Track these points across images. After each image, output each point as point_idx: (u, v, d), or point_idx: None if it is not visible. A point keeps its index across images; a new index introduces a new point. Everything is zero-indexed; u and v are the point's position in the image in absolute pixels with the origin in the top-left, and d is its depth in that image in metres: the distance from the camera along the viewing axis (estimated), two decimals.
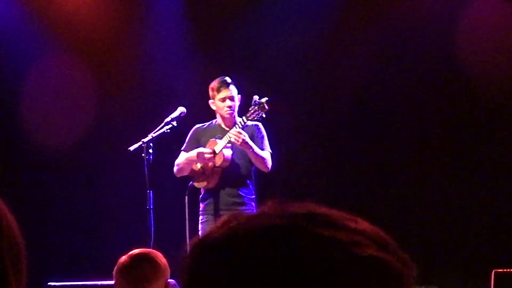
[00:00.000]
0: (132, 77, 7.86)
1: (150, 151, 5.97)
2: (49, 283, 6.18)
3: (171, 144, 6.31)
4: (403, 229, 6.68)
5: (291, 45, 7.57)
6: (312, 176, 7.47)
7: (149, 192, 5.99)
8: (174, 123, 6.09)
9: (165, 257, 3.25)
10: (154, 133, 6.05)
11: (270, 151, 5.98)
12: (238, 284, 0.83)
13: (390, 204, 7.27)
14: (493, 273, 5.86)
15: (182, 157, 6.14)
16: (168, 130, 6.06)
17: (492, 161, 7.18)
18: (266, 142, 6.00)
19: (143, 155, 5.97)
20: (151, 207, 5.99)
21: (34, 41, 7.84)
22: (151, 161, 5.97)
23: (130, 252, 3.23)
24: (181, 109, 6.16)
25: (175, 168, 6.15)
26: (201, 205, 6.10)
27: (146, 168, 5.97)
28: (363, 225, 0.87)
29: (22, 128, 7.82)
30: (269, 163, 5.91)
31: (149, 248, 4.75)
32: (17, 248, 1.24)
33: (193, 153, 6.06)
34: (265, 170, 5.95)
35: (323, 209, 0.88)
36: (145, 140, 6.00)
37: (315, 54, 7.58)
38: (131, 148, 6.03)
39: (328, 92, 7.53)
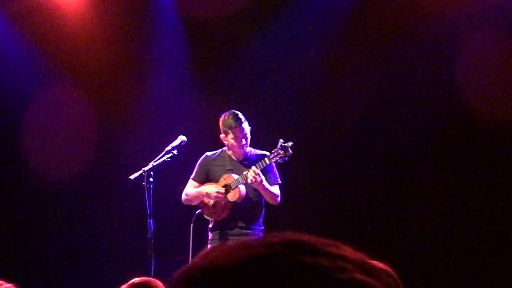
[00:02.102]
0: (133, 106, 7.88)
1: (151, 179, 5.97)
2: None
3: (171, 173, 6.30)
4: (405, 266, 6.60)
5: (292, 75, 7.58)
6: (313, 205, 7.45)
7: (150, 221, 5.98)
8: (175, 151, 6.09)
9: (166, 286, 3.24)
10: (154, 161, 6.05)
11: (280, 181, 5.99)
12: None
13: (391, 237, 7.23)
14: None
15: (193, 189, 6.12)
16: (169, 159, 6.06)
17: (496, 194, 7.09)
18: (276, 171, 6.01)
19: (143, 183, 5.97)
20: (152, 235, 5.98)
21: (35, 72, 7.88)
22: (151, 190, 5.97)
23: (130, 281, 3.22)
24: (181, 138, 6.16)
25: (183, 197, 6.13)
26: (210, 235, 6.10)
27: (146, 196, 5.97)
28: (346, 250, 0.86)
29: (24, 156, 7.83)
30: (279, 198, 5.94)
31: (150, 277, 4.74)
32: None
33: (206, 189, 6.05)
34: (275, 204, 5.97)
35: (304, 237, 0.87)
36: (146, 168, 6.01)
37: (317, 82, 7.58)
38: (132, 176, 6.03)
39: (329, 122, 7.52)
